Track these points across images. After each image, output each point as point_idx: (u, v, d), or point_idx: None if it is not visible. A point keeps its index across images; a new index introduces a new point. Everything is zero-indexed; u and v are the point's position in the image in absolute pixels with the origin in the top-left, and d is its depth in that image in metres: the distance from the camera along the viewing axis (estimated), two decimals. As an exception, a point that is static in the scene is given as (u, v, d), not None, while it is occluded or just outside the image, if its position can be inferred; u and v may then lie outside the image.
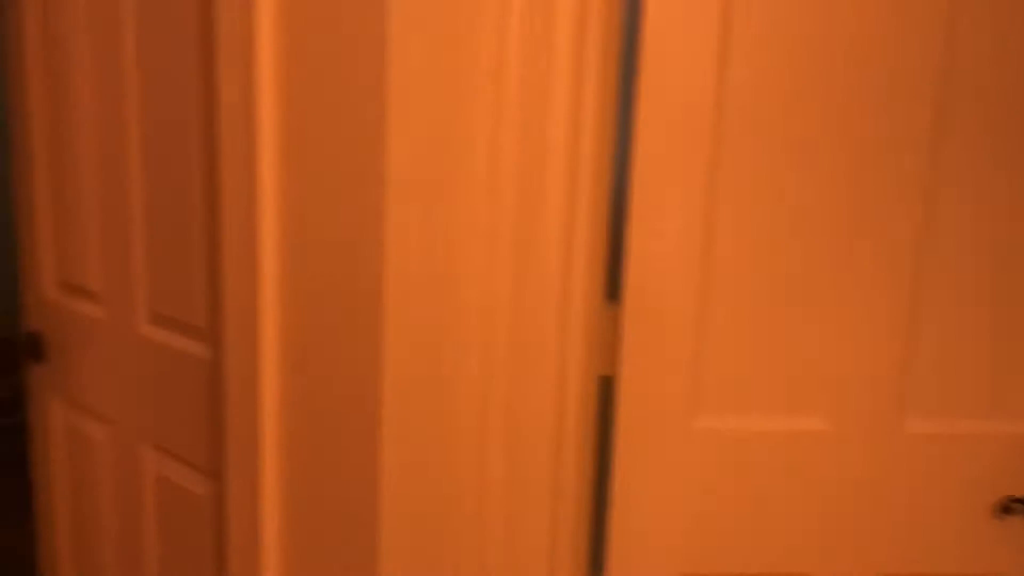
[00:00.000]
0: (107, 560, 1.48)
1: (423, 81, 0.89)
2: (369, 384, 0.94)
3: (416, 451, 0.97)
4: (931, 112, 1.00)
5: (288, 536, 1.07)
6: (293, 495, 1.05)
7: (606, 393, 1.07)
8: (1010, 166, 1.02)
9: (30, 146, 1.43)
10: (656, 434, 1.05)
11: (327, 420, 1.00)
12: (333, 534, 1.02)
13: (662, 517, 1.07)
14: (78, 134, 1.33)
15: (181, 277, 1.23)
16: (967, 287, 1.05)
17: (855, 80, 0.98)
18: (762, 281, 1.03)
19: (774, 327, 1.04)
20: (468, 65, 0.90)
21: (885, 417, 1.07)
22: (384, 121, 0.88)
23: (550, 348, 1.00)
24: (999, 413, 1.08)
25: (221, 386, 1.09)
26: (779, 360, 1.05)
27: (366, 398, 0.95)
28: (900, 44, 0.98)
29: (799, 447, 1.07)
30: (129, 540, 1.42)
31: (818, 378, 1.05)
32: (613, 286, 1.04)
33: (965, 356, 1.06)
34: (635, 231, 1.00)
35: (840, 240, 1.02)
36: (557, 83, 0.93)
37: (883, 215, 1.02)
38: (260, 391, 1.02)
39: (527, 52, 0.91)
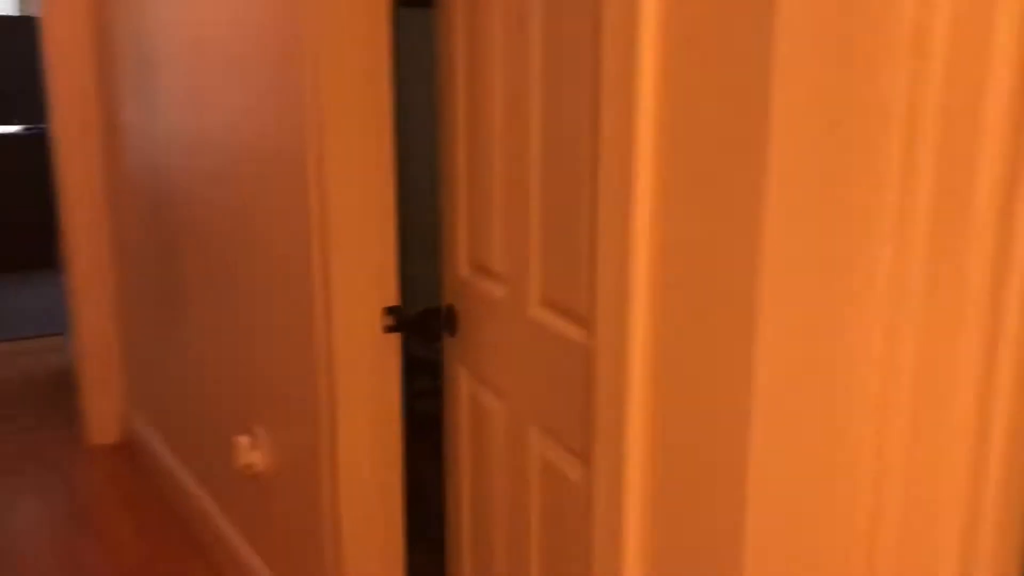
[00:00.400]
0: (497, 524, 1.58)
1: (814, 67, 0.78)
2: (738, 390, 0.86)
3: (789, 470, 0.87)
4: None
5: (650, 529, 1.04)
6: (657, 490, 1.02)
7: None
8: None
9: (453, 148, 1.58)
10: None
11: (693, 418, 0.94)
12: (695, 537, 0.96)
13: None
14: (490, 138, 1.45)
15: (569, 265, 1.26)
16: None
17: None
18: None
19: None
20: (880, 23, 0.76)
21: None
22: (767, 125, 0.79)
23: (967, 376, 0.82)
24: None
25: (592, 373, 1.10)
26: None
27: (735, 405, 0.87)
28: None
29: None
30: (515, 511, 1.51)
31: None
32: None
33: None
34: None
35: None
36: (996, 54, 0.75)
37: None
38: (627, 383, 1.00)
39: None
